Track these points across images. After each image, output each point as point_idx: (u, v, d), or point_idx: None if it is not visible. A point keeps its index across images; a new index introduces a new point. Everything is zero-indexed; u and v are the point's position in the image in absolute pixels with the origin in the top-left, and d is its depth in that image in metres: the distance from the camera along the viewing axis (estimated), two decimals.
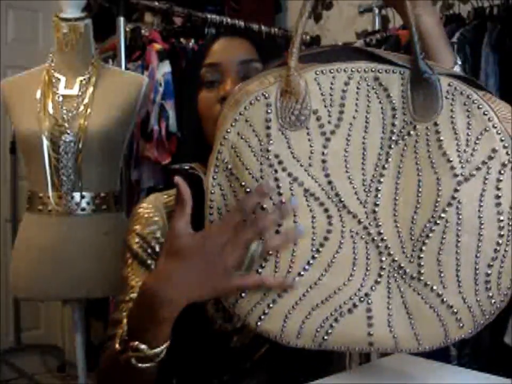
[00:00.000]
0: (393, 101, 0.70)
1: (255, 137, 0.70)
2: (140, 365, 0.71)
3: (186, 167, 0.82)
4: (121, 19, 2.01)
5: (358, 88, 0.70)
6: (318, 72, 0.70)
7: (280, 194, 0.69)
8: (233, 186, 0.71)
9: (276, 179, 0.70)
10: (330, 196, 0.70)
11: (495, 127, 0.69)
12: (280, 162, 0.70)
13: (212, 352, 0.90)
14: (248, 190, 0.69)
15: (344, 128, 0.70)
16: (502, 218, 0.69)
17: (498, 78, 1.64)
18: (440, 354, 1.76)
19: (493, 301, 0.73)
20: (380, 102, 0.70)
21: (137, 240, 0.91)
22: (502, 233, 0.69)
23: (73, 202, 1.61)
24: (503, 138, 0.69)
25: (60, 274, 1.62)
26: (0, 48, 3.09)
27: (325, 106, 0.70)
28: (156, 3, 2.22)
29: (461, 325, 0.72)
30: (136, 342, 0.71)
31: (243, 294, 0.71)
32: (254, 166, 0.70)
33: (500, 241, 0.70)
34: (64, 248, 1.62)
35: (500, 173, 0.69)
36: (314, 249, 0.70)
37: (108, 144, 1.65)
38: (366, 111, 0.70)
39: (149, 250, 0.90)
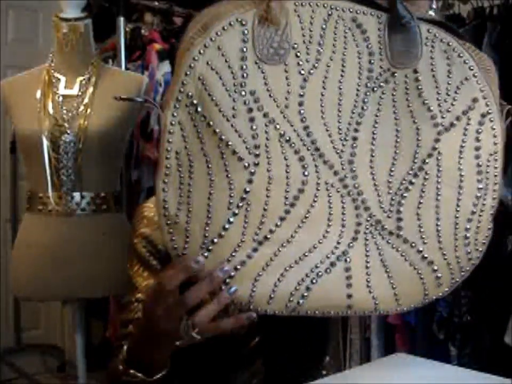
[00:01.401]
0: (370, 45, 0.65)
1: (227, 68, 0.61)
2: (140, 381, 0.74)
3: None
4: (121, 19, 2.01)
5: (335, 27, 0.65)
6: (297, 4, 0.64)
7: (254, 137, 0.62)
8: (197, 126, 0.62)
9: (251, 119, 0.62)
10: (305, 143, 0.64)
11: (476, 76, 0.67)
12: (256, 101, 0.62)
13: (208, 340, 0.91)
14: (217, 130, 0.61)
15: (322, 70, 0.64)
16: (480, 170, 0.67)
17: (498, 78, 1.63)
18: (440, 354, 1.77)
19: (470, 257, 0.70)
20: (357, 45, 0.65)
21: (142, 243, 0.92)
22: (480, 186, 0.68)
23: (73, 202, 1.61)
24: (483, 89, 0.67)
25: (59, 274, 1.62)
26: (0, 48, 3.09)
27: (304, 42, 0.64)
28: (156, 3, 2.22)
29: (440, 282, 0.69)
30: (132, 371, 0.74)
31: (206, 254, 0.64)
32: (226, 103, 0.61)
33: (479, 195, 0.68)
34: (64, 248, 1.62)
35: (479, 123, 0.67)
36: (288, 202, 0.64)
37: (107, 144, 1.65)
38: (343, 53, 0.65)
39: (154, 252, 0.91)
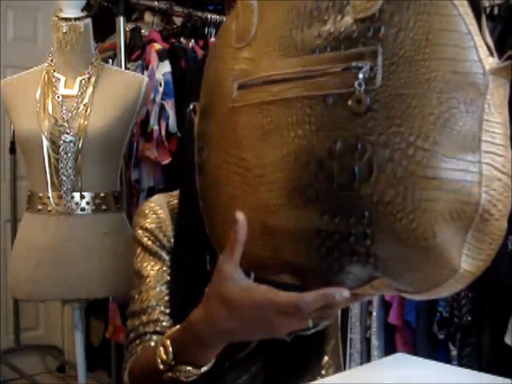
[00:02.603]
0: None
1: None
2: (186, 380, 0.74)
3: None
4: (121, 19, 2.01)
5: None
6: None
7: None
8: None
9: None
10: None
11: None
12: None
13: None
14: None
15: None
16: None
17: None
18: (440, 354, 1.77)
19: None
20: None
21: (145, 234, 0.95)
22: None
23: (73, 202, 1.61)
24: None
25: (59, 274, 1.62)
26: (0, 47, 3.09)
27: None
28: (156, 3, 2.22)
29: None
30: (184, 366, 0.73)
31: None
32: None
33: None
34: (64, 248, 1.62)
35: None
36: None
37: (107, 144, 1.65)
38: None
39: (158, 243, 0.95)
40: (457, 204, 0.53)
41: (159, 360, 0.75)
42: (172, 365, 0.74)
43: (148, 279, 0.92)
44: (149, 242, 0.95)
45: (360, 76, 0.55)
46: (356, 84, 0.55)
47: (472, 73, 0.52)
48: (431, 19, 0.53)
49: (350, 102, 0.55)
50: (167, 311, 0.90)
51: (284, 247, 0.63)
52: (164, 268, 0.93)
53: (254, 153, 0.64)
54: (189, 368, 0.73)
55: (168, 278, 0.93)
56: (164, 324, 0.90)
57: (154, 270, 0.92)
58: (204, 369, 0.74)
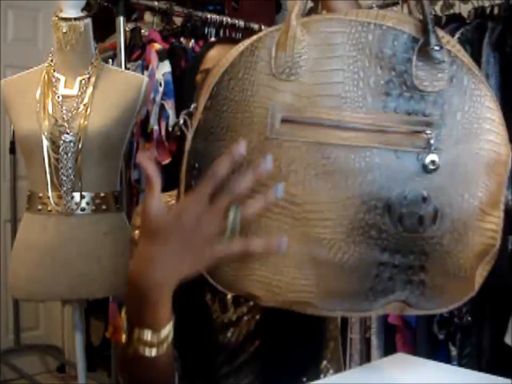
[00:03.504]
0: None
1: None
2: (148, 354, 0.70)
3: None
4: (121, 19, 2.01)
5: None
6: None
7: None
8: None
9: None
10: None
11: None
12: None
13: (209, 345, 0.92)
14: None
15: None
16: None
17: (499, 78, 1.64)
18: (440, 354, 1.77)
19: None
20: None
21: None
22: None
23: (73, 202, 1.61)
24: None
25: (59, 274, 1.62)
26: (0, 47, 3.09)
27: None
28: (156, 3, 2.21)
29: None
30: (138, 330, 0.69)
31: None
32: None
33: None
34: (64, 248, 1.62)
35: None
36: None
37: (107, 144, 1.65)
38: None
39: None
40: (488, 246, 0.69)
41: (123, 336, 0.72)
42: (129, 333, 0.70)
43: None
44: None
45: (432, 141, 0.67)
46: (428, 147, 0.67)
47: (504, 155, 0.69)
48: (480, 108, 0.68)
49: (425, 162, 0.67)
50: None
51: (330, 278, 0.69)
52: None
53: (306, 189, 0.67)
54: (144, 333, 0.69)
55: None
56: None
57: None
58: (161, 334, 0.69)
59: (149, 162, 0.65)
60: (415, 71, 0.68)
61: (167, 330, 0.70)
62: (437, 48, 0.68)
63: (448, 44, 0.69)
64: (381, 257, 0.68)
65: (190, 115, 0.73)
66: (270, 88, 0.69)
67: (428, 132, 0.67)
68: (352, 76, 0.68)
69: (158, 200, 0.65)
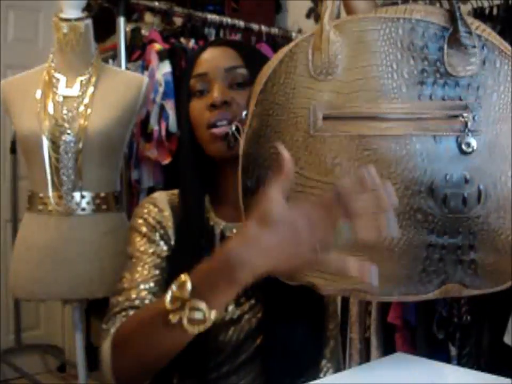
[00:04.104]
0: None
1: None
2: (190, 327, 0.70)
3: None
4: (121, 19, 2.01)
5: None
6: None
7: None
8: None
9: None
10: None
11: None
12: None
13: (209, 344, 0.93)
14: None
15: None
16: None
17: None
18: (440, 354, 1.77)
19: None
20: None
21: (144, 223, 0.97)
22: None
23: (73, 202, 1.61)
24: None
25: (60, 274, 1.62)
26: (0, 48, 3.09)
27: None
28: (156, 3, 2.21)
29: None
30: (198, 301, 0.69)
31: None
32: None
33: None
34: (64, 248, 1.62)
35: None
36: None
37: (108, 144, 1.65)
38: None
39: (155, 233, 0.96)
40: None
41: (168, 299, 0.72)
42: (184, 301, 0.70)
43: (142, 261, 0.93)
44: (147, 230, 0.96)
45: (469, 123, 0.69)
46: (466, 130, 0.69)
47: None
48: None
49: (462, 144, 0.69)
50: (157, 293, 0.90)
51: (382, 263, 0.70)
52: (159, 252, 0.94)
53: (352, 180, 0.69)
54: (202, 306, 0.69)
55: (163, 264, 0.94)
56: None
57: (149, 253, 0.94)
58: (212, 315, 0.70)
59: (286, 152, 0.67)
60: (447, 58, 0.71)
61: (216, 316, 0.71)
62: (466, 34, 0.70)
63: (478, 28, 0.72)
64: (429, 239, 0.70)
65: (242, 122, 0.80)
66: (309, 89, 0.73)
67: (465, 115, 0.69)
68: (386, 69, 0.71)
69: (281, 191, 0.67)
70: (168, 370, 0.89)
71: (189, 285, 0.70)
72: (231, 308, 0.93)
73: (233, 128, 0.86)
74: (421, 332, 1.79)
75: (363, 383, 0.78)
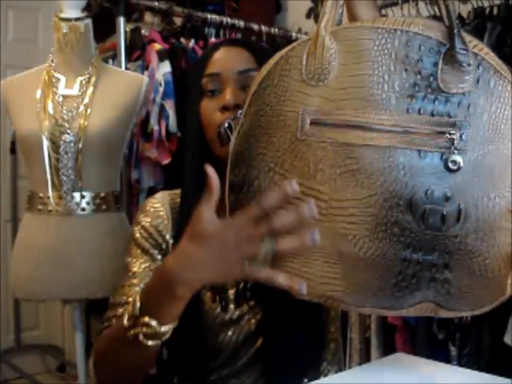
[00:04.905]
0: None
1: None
2: (146, 341, 0.75)
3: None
4: (121, 19, 2.01)
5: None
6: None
7: None
8: None
9: None
10: None
11: None
12: None
13: (209, 345, 0.92)
14: None
15: None
16: None
17: None
18: (440, 354, 1.77)
19: None
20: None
21: (142, 231, 0.97)
22: None
23: (73, 202, 1.61)
24: None
25: (59, 274, 1.62)
26: (0, 48, 3.09)
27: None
28: (156, 3, 2.22)
29: None
30: (147, 317, 0.74)
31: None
32: None
33: None
34: (64, 248, 1.62)
35: None
36: None
37: (108, 144, 1.65)
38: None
39: (152, 241, 0.96)
40: None
41: (126, 317, 0.77)
42: (136, 318, 0.75)
43: (134, 276, 0.94)
44: (142, 240, 0.96)
45: (456, 141, 0.68)
46: (452, 148, 0.69)
47: None
48: (508, 109, 0.70)
49: (448, 162, 0.69)
50: None
51: (355, 272, 0.71)
52: (152, 267, 0.94)
53: (332, 187, 0.71)
54: (152, 322, 0.74)
55: None
56: None
57: (141, 268, 0.94)
58: (164, 328, 0.74)
59: (213, 171, 0.70)
60: (441, 74, 0.70)
61: (169, 328, 0.75)
62: (462, 51, 0.70)
63: (476, 47, 0.71)
64: (404, 254, 0.70)
65: (234, 120, 0.80)
66: (301, 93, 0.73)
67: (452, 132, 0.69)
68: (377, 80, 0.71)
69: (211, 208, 0.70)
70: (168, 372, 0.89)
71: (138, 304, 0.76)
72: (230, 308, 0.93)
73: (226, 125, 0.86)
74: (421, 332, 1.79)
75: (363, 383, 0.78)
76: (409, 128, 0.69)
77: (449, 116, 0.69)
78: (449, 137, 0.69)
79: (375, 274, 0.71)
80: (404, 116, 0.70)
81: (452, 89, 0.70)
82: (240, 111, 0.78)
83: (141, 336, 0.75)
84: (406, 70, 0.71)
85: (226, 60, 0.96)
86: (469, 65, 0.70)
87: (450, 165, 0.68)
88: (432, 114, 0.70)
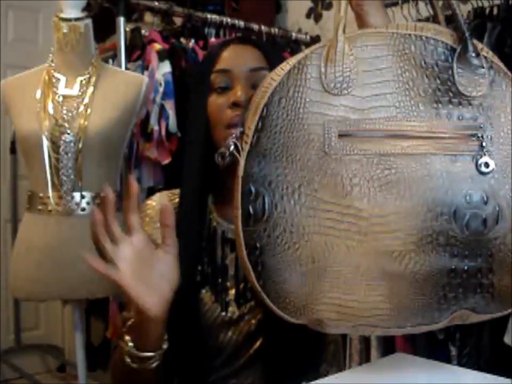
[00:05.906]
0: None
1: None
2: (128, 362, 0.78)
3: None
4: (121, 19, 2.01)
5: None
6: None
7: None
8: None
9: None
10: None
11: None
12: None
13: (208, 344, 0.93)
14: None
15: None
16: None
17: None
18: (440, 354, 1.77)
19: None
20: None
21: None
22: None
23: (73, 202, 1.61)
24: None
25: (59, 274, 1.62)
26: (0, 48, 3.09)
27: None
28: (156, 3, 2.22)
29: None
30: (127, 337, 0.77)
31: None
32: None
33: None
34: (64, 248, 1.62)
35: None
36: None
37: (107, 144, 1.65)
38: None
39: None
40: None
41: (126, 356, 0.80)
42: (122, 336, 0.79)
43: None
44: None
45: (484, 143, 0.69)
46: (483, 150, 0.69)
47: None
48: None
49: (480, 164, 0.69)
50: None
51: (401, 291, 0.69)
52: None
53: (370, 202, 0.68)
54: (130, 344, 0.78)
55: None
56: None
57: None
58: (145, 354, 0.78)
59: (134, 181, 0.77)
60: (457, 77, 0.70)
61: (150, 355, 0.78)
62: (474, 54, 0.70)
63: (483, 50, 0.72)
64: (451, 264, 0.69)
65: (239, 139, 0.72)
66: (323, 103, 0.69)
67: (480, 135, 0.69)
68: (403, 86, 0.70)
69: (116, 234, 0.83)
70: (168, 372, 0.89)
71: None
72: (230, 308, 0.93)
73: (232, 147, 0.72)
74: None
75: (363, 383, 0.78)
76: (441, 133, 0.69)
77: (474, 119, 0.70)
78: (478, 140, 0.69)
79: (424, 290, 0.69)
80: (434, 121, 0.69)
81: (472, 92, 0.70)
82: (241, 130, 0.72)
83: (126, 358, 0.78)
84: (426, 75, 0.70)
85: (237, 57, 0.95)
86: (482, 67, 0.70)
87: (484, 167, 0.69)
88: (459, 118, 0.70)
